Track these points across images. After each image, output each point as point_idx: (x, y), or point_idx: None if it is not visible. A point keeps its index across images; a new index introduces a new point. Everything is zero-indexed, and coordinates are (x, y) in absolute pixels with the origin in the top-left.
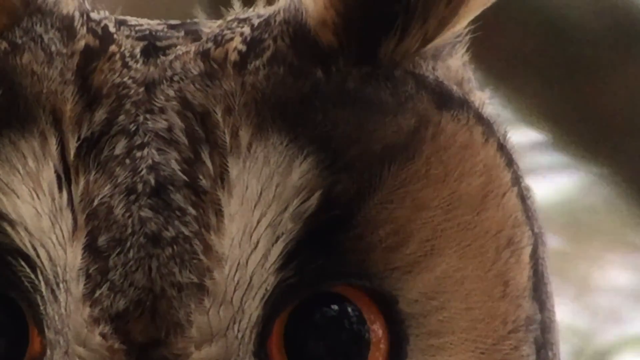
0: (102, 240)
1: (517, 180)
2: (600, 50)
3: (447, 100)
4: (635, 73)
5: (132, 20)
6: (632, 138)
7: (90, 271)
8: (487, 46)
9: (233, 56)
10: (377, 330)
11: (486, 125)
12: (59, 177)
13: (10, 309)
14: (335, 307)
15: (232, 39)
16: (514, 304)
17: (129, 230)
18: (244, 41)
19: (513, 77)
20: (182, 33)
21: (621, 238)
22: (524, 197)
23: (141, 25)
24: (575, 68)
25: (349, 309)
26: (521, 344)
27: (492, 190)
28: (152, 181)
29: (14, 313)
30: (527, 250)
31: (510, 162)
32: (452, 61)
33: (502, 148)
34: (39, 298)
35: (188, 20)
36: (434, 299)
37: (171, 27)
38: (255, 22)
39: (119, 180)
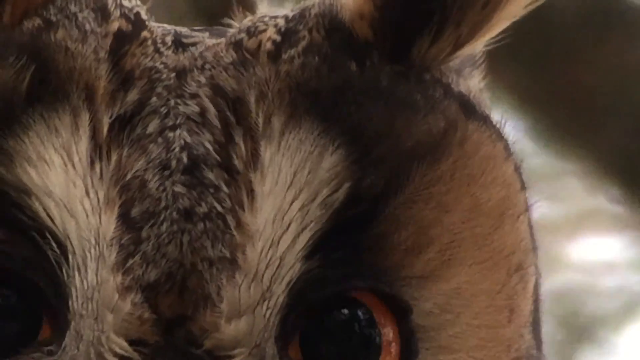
0: (135, 211)
1: (528, 207)
2: (578, 30)
3: (472, 111)
4: (612, 53)
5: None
6: (610, 118)
7: (123, 241)
8: None
9: (267, 45)
10: (388, 334)
11: (505, 144)
12: (91, 151)
13: (24, 292)
14: (346, 310)
15: (265, 30)
16: (518, 333)
17: (163, 204)
18: (278, 32)
19: (490, 59)
20: (206, 34)
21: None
22: (532, 227)
23: (164, 26)
24: (553, 49)
25: (360, 313)
26: None
27: (509, 209)
28: (185, 159)
29: (28, 295)
30: (532, 281)
31: (523, 186)
32: (471, 83)
33: (518, 171)
34: (64, 272)
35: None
36: (447, 312)
37: (194, 29)
38: (289, 15)
39: (153, 156)
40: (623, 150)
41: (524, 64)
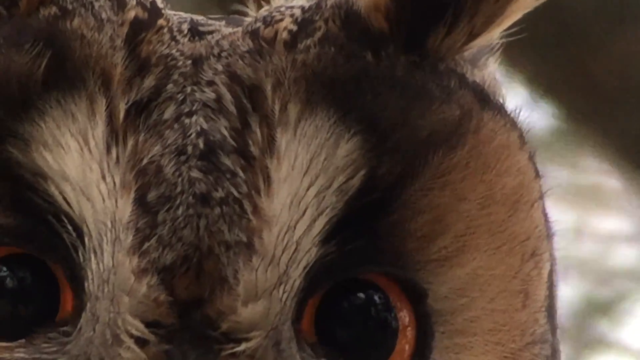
0: (151, 196)
1: (542, 195)
2: (592, 19)
3: (486, 100)
4: (627, 42)
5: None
6: (624, 106)
7: (139, 224)
8: None
9: (283, 35)
10: (404, 318)
11: (520, 133)
12: (107, 136)
13: (39, 274)
14: (362, 294)
15: (281, 19)
16: (532, 318)
17: (179, 189)
18: (294, 21)
19: (506, 48)
20: (223, 22)
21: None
22: (546, 215)
23: (180, 14)
24: (568, 38)
25: (376, 297)
26: (536, 359)
27: (524, 196)
28: (202, 145)
29: (43, 277)
30: (547, 267)
31: (537, 175)
32: (486, 72)
33: (532, 159)
34: (80, 255)
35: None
36: (462, 297)
37: (210, 18)
38: (306, 5)
39: (169, 142)
40: (635, 131)
41: (539, 52)
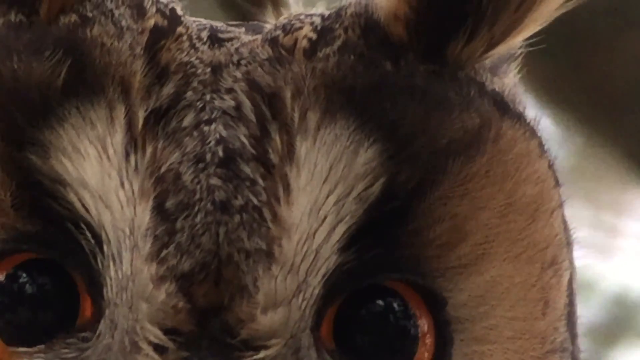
0: (169, 203)
1: (562, 203)
2: (598, 18)
3: (506, 109)
4: (633, 41)
5: (189, 17)
6: (630, 106)
7: (158, 232)
8: None
9: (303, 43)
10: (423, 326)
11: (540, 141)
12: (126, 143)
13: (58, 280)
14: (381, 301)
15: (301, 27)
16: (552, 326)
17: (197, 196)
18: (314, 30)
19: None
20: (242, 29)
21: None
22: (566, 222)
23: (200, 21)
24: (573, 37)
25: (395, 304)
26: None
27: (544, 205)
28: (221, 152)
29: (61, 283)
30: (567, 275)
31: (557, 183)
32: (506, 80)
33: (552, 167)
34: (99, 262)
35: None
36: (482, 305)
37: (230, 25)
38: (325, 13)
39: (188, 149)
40: None
41: (548, 55)
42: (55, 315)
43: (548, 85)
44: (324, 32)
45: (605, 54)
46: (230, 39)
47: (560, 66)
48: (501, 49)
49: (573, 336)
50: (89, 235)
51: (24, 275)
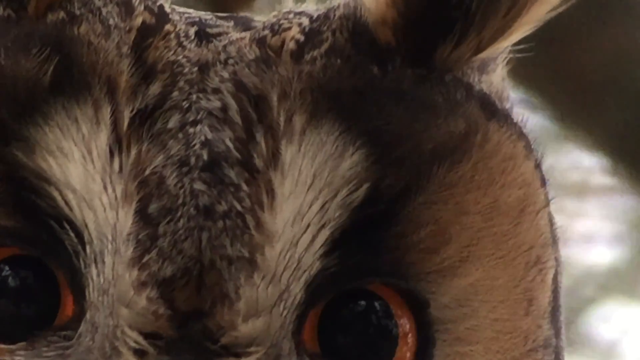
0: (152, 207)
1: (548, 202)
2: (576, 12)
3: (493, 111)
4: (611, 35)
5: (179, 8)
6: (608, 99)
7: (140, 236)
8: None
9: (290, 45)
10: (405, 325)
11: (526, 142)
12: (111, 144)
13: (41, 276)
14: (363, 302)
15: (289, 28)
16: (535, 324)
17: (180, 201)
18: (302, 31)
19: None
20: (231, 23)
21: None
22: (552, 221)
23: (190, 13)
24: (551, 31)
25: (377, 304)
26: None
27: (529, 206)
28: (205, 156)
29: (44, 280)
30: (551, 273)
31: (544, 182)
32: (494, 76)
33: (539, 167)
34: (81, 262)
35: (235, 14)
36: (464, 306)
37: (219, 17)
38: (314, 14)
39: (172, 152)
40: (620, 127)
41: (524, 49)
42: (37, 312)
43: (526, 79)
44: (312, 34)
45: (582, 48)
46: (218, 34)
47: (538, 60)
48: (489, 52)
49: (557, 330)
50: (72, 234)
51: (7, 268)
